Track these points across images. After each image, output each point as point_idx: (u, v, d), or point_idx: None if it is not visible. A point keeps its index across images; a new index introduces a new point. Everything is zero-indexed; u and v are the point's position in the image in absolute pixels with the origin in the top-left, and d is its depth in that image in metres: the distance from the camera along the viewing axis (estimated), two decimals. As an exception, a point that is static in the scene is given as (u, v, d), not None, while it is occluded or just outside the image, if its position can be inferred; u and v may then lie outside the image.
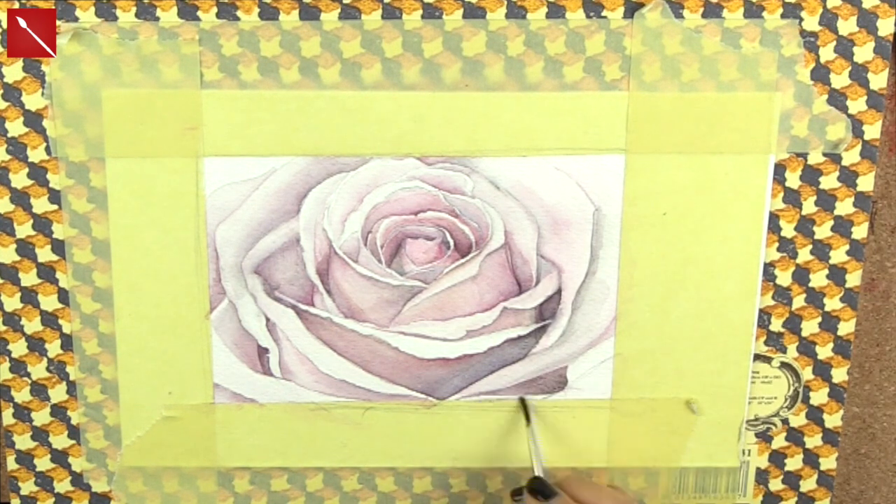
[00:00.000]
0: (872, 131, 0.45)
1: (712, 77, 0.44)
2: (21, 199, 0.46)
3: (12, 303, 0.47)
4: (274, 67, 0.44)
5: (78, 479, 0.49)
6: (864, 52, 0.44)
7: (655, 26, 0.44)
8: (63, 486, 0.49)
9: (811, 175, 0.46)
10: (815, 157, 0.46)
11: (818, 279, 0.47)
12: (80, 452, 0.49)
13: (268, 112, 0.45)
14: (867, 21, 0.44)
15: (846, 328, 0.48)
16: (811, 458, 0.50)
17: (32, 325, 0.47)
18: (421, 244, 0.46)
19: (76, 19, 0.44)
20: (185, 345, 0.47)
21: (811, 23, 0.44)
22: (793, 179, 0.46)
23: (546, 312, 0.47)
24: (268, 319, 0.47)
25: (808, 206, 0.46)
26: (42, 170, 0.45)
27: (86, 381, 0.48)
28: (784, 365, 0.48)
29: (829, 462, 0.50)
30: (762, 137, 0.45)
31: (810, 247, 0.47)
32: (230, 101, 0.44)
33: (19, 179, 0.45)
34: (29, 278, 0.46)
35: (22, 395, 0.48)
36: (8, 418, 0.48)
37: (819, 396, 0.49)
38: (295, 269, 0.47)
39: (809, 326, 0.48)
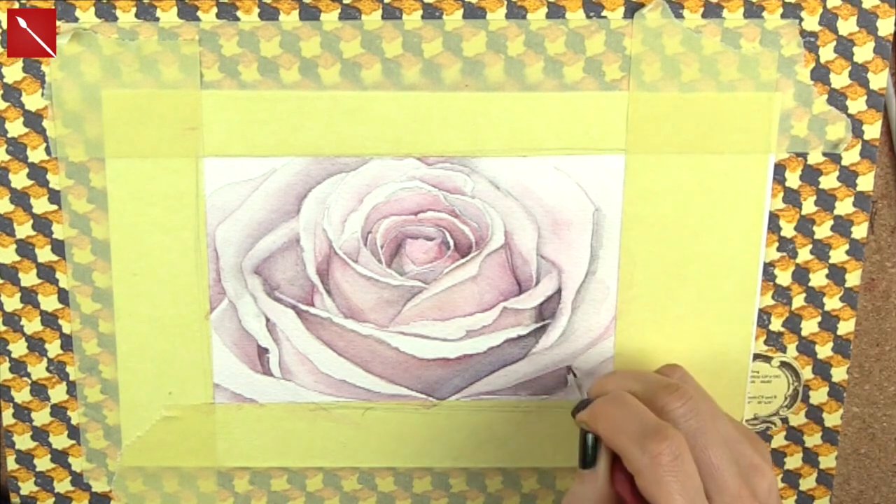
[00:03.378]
0: (872, 131, 0.45)
1: (712, 77, 0.44)
2: (21, 199, 0.46)
3: (12, 303, 0.47)
4: (274, 67, 0.44)
5: (78, 479, 0.49)
6: (864, 52, 0.44)
7: (655, 26, 0.44)
8: (63, 486, 0.49)
9: (811, 175, 0.46)
10: (815, 157, 0.46)
11: (818, 279, 0.47)
12: (80, 452, 0.49)
13: (268, 112, 0.45)
14: (867, 21, 0.44)
15: (846, 328, 0.48)
16: (811, 457, 0.50)
17: (32, 325, 0.47)
18: (421, 244, 0.46)
19: (76, 19, 0.44)
20: (185, 345, 0.47)
21: (811, 23, 0.44)
22: (793, 179, 0.46)
23: (546, 312, 0.47)
24: (268, 319, 0.47)
25: (808, 206, 0.46)
26: (42, 170, 0.45)
27: (86, 381, 0.48)
28: (784, 364, 0.48)
29: (828, 461, 0.50)
30: (762, 137, 0.45)
31: (810, 246, 0.47)
32: (230, 101, 0.44)
33: (19, 179, 0.45)
34: (29, 278, 0.46)
35: (22, 395, 0.48)
36: (8, 418, 0.48)
37: (819, 396, 0.49)
38: (295, 270, 0.47)
39: (809, 326, 0.48)
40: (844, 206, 0.46)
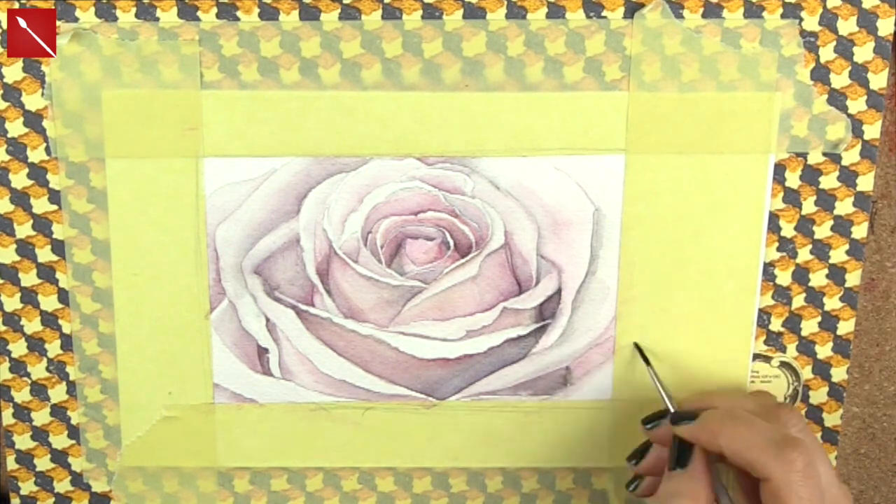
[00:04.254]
0: (872, 131, 0.45)
1: (712, 77, 0.44)
2: (21, 199, 0.46)
3: (12, 303, 0.47)
4: (274, 68, 0.44)
5: (78, 479, 0.49)
6: (864, 52, 0.44)
7: (655, 26, 0.44)
8: (63, 486, 0.49)
9: (811, 175, 0.46)
10: (814, 157, 0.46)
11: (818, 279, 0.47)
12: (80, 452, 0.49)
13: (268, 112, 0.45)
14: (867, 21, 0.44)
15: (846, 328, 0.48)
16: (811, 458, 0.50)
17: (32, 325, 0.47)
18: (421, 244, 0.46)
19: (76, 19, 0.44)
20: (185, 345, 0.47)
21: (811, 23, 0.44)
22: (793, 179, 0.46)
23: (546, 312, 0.47)
24: (268, 320, 0.47)
25: (808, 206, 0.46)
26: (42, 170, 0.45)
27: (86, 381, 0.48)
28: (783, 364, 0.48)
29: (828, 461, 0.50)
30: (762, 137, 0.45)
31: (810, 246, 0.47)
32: (230, 101, 0.44)
33: (19, 179, 0.45)
34: (29, 278, 0.46)
35: (22, 395, 0.48)
36: (8, 418, 0.48)
37: (818, 396, 0.49)
38: (295, 270, 0.47)
39: (809, 326, 0.48)
40: (844, 206, 0.46)
